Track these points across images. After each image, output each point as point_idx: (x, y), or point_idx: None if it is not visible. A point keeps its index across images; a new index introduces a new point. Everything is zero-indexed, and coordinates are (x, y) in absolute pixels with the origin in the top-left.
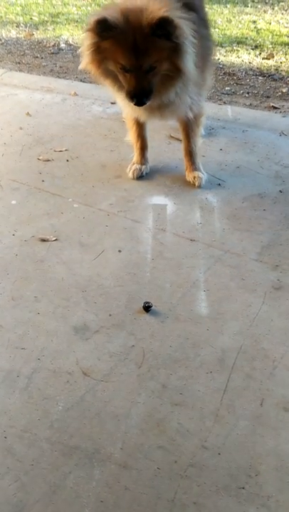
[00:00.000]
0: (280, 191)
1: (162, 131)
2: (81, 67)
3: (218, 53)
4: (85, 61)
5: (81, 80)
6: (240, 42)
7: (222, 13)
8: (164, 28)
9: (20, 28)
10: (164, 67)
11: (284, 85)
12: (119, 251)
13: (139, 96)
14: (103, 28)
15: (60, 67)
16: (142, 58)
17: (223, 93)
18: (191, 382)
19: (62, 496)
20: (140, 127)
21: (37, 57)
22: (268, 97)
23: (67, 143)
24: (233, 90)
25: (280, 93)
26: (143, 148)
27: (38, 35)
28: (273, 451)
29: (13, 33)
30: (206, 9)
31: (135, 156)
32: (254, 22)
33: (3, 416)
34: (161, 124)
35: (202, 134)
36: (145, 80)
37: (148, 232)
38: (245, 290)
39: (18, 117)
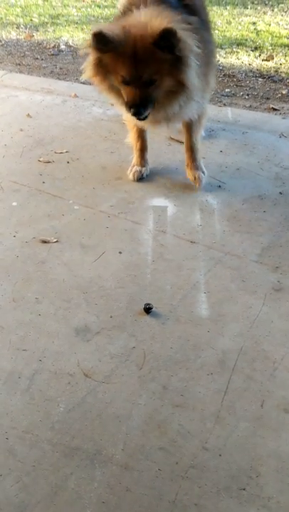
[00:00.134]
0: (280, 193)
1: (162, 133)
2: (83, 78)
3: (218, 55)
4: (88, 74)
5: (81, 82)
6: (240, 43)
7: (222, 14)
8: (167, 39)
9: (21, 29)
10: (167, 83)
11: (284, 87)
12: (120, 252)
13: (136, 106)
14: (100, 41)
15: (61, 68)
16: (142, 69)
17: (223, 95)
18: (191, 383)
19: (63, 496)
20: (140, 129)
21: (37, 58)
22: (267, 98)
23: (67, 145)
24: (233, 92)
25: (279, 95)
26: (143, 149)
27: (38, 36)
28: (274, 452)
29: (13, 35)
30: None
31: (135, 157)
32: (254, 23)
33: (5, 417)
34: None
35: (202, 135)
36: (145, 92)
37: (148, 233)
38: (246, 292)
39: (19, 119)
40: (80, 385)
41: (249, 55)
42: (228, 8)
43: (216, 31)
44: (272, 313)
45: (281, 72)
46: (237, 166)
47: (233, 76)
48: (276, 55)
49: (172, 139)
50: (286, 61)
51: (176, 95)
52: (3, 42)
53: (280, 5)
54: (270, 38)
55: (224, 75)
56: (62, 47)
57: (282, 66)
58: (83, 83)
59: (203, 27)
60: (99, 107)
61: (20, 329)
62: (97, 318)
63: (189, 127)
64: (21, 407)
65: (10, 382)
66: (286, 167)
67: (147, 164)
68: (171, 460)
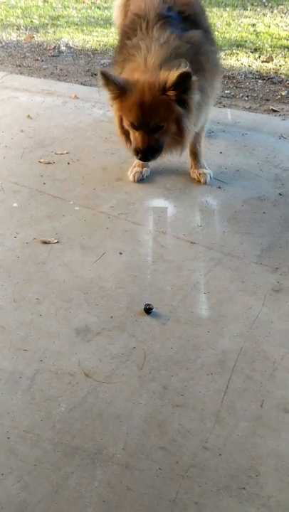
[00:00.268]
0: (280, 194)
1: None
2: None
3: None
4: (118, 131)
5: (81, 83)
6: (239, 45)
7: (221, 16)
8: (185, 82)
9: (21, 30)
10: (172, 129)
11: (283, 88)
12: (120, 253)
13: (143, 153)
14: (106, 82)
15: (61, 69)
16: (149, 116)
17: (222, 96)
18: (192, 383)
19: (64, 495)
20: None
21: (37, 60)
22: (267, 100)
23: (68, 146)
24: (232, 93)
25: (279, 96)
26: None
27: (39, 38)
28: (273, 451)
29: (13, 36)
30: (207, 13)
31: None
32: (253, 25)
33: (6, 417)
34: None
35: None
36: (152, 138)
37: (149, 234)
38: (246, 292)
39: (19, 120)
40: (81, 384)
41: (249, 56)
42: (227, 9)
43: (216, 33)
44: (271, 313)
45: (281, 73)
46: (237, 167)
47: (233, 77)
48: (276, 57)
49: None
50: (286, 63)
51: (177, 144)
52: (3, 43)
53: (280, 7)
54: (269, 40)
55: (224, 76)
56: (63, 48)
57: (282, 68)
58: (83, 84)
59: (206, 39)
60: (99, 108)
61: (21, 329)
62: (98, 319)
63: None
64: (22, 406)
65: (11, 382)
66: (286, 168)
67: (148, 166)
68: (172, 459)
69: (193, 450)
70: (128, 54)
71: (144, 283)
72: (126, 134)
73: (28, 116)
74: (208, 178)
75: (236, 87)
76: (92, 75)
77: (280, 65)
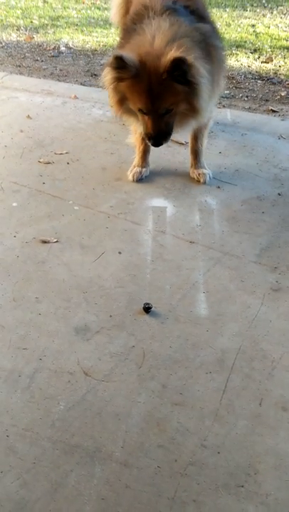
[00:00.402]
0: (279, 194)
1: None
2: (110, 105)
3: None
4: (111, 101)
5: (81, 83)
6: (239, 45)
7: (221, 16)
8: (179, 68)
9: (21, 31)
10: (181, 107)
11: (283, 89)
12: (120, 253)
13: (156, 138)
14: (120, 65)
15: (61, 70)
16: (158, 103)
17: (222, 97)
18: (190, 382)
19: (63, 493)
20: None
21: (37, 60)
22: (266, 100)
23: (67, 146)
24: (232, 94)
25: (278, 96)
26: (146, 151)
27: (39, 38)
28: (272, 450)
29: (13, 37)
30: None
31: (137, 158)
32: (253, 26)
33: (6, 415)
34: None
35: None
36: (162, 123)
37: (148, 234)
38: (244, 292)
39: (19, 120)
40: (80, 383)
41: (248, 57)
42: (227, 10)
43: None
44: (270, 313)
45: (280, 74)
46: (236, 167)
47: (233, 78)
48: (275, 57)
49: (172, 140)
50: (285, 63)
51: (188, 117)
52: (3, 44)
53: (279, 7)
54: (269, 40)
55: (224, 76)
56: (63, 49)
57: (281, 68)
58: (83, 84)
59: (214, 33)
60: (99, 108)
61: (20, 328)
62: (97, 318)
63: (196, 133)
64: (21, 405)
65: (10, 381)
66: (285, 168)
67: (148, 166)
68: (170, 457)
69: (192, 448)
70: (136, 34)
71: (143, 282)
72: (127, 112)
73: (28, 116)
74: (208, 178)
75: (236, 88)
76: (91, 76)
77: (280, 66)
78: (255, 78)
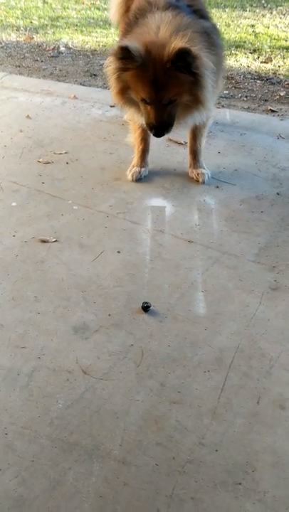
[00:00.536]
0: (278, 193)
1: None
2: (112, 95)
3: None
4: (113, 91)
5: (80, 84)
6: (238, 46)
7: (221, 17)
8: (183, 58)
9: (21, 31)
10: (185, 98)
11: (282, 89)
12: (119, 252)
13: (158, 128)
14: (125, 56)
15: (60, 70)
16: (162, 93)
17: (221, 97)
18: (189, 380)
19: (62, 491)
20: (144, 131)
21: (37, 60)
22: (265, 100)
23: (66, 145)
24: (231, 94)
25: (277, 96)
26: (145, 151)
27: (38, 38)
28: (270, 447)
29: (13, 37)
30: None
31: (136, 158)
32: (252, 26)
33: (4, 413)
34: None
35: None
36: (165, 113)
37: (147, 233)
38: (243, 291)
39: (18, 120)
40: (79, 381)
41: (248, 57)
42: (227, 10)
43: None
44: (268, 311)
45: (279, 74)
46: (235, 167)
47: (232, 78)
48: (274, 58)
49: (171, 140)
50: (284, 63)
51: (191, 109)
52: (3, 44)
53: (279, 8)
54: (268, 41)
55: (223, 76)
56: (62, 49)
57: (281, 68)
58: (82, 85)
59: (215, 31)
60: (98, 108)
61: (19, 327)
62: (96, 317)
63: (195, 132)
64: (20, 403)
65: (9, 379)
66: (283, 168)
67: (147, 165)
68: (168, 455)
69: (189, 446)
70: (140, 25)
71: (141, 281)
72: (128, 102)
73: (27, 116)
74: (206, 178)
75: (235, 88)
76: (91, 76)
77: (279, 66)
78: (255, 78)
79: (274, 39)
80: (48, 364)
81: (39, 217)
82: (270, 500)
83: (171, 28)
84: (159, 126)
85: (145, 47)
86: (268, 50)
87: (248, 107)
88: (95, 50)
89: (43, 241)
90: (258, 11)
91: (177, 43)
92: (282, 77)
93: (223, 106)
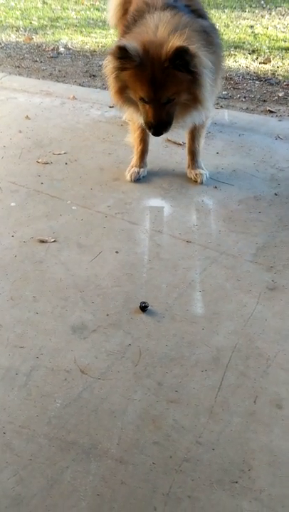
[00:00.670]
0: (275, 194)
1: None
2: (110, 95)
3: None
4: (112, 91)
5: (80, 84)
6: (237, 46)
7: (220, 17)
8: (181, 57)
9: (20, 32)
10: (183, 97)
11: (280, 89)
12: (117, 252)
13: (156, 127)
14: (123, 55)
15: (59, 71)
16: (160, 92)
17: (220, 97)
18: (186, 380)
19: (59, 489)
20: (143, 132)
21: (36, 61)
22: (264, 101)
23: (65, 146)
24: (230, 94)
25: (276, 97)
26: (144, 152)
27: (38, 39)
28: (266, 446)
29: (12, 37)
30: None
31: (134, 159)
32: (251, 27)
33: (2, 412)
34: None
35: None
36: (163, 112)
37: (145, 233)
38: (240, 291)
39: (18, 121)
40: (77, 381)
41: (246, 57)
42: (226, 11)
43: None
44: (266, 311)
45: (278, 74)
46: (233, 167)
47: (231, 79)
48: (273, 58)
49: (169, 140)
50: (283, 64)
51: (189, 108)
52: (2, 44)
53: (278, 8)
54: (267, 41)
55: (221, 77)
56: (62, 49)
57: (279, 69)
58: (82, 85)
59: (214, 30)
60: (97, 109)
61: (17, 327)
62: (94, 316)
63: (193, 133)
64: (18, 402)
65: (7, 379)
66: (281, 168)
67: (145, 166)
68: (166, 454)
69: (186, 445)
70: (138, 25)
71: (140, 281)
72: (127, 101)
73: (27, 116)
74: (205, 178)
75: (234, 88)
76: (90, 76)
77: (278, 67)
78: (253, 79)
79: (273, 40)
80: (46, 363)
81: (38, 218)
82: (266, 498)
83: (169, 27)
84: (158, 125)
85: (143, 46)
86: (267, 50)
87: (247, 108)
88: (95, 51)
89: (42, 241)
90: (257, 11)
91: (175, 42)
92: (280, 77)
93: (221, 106)
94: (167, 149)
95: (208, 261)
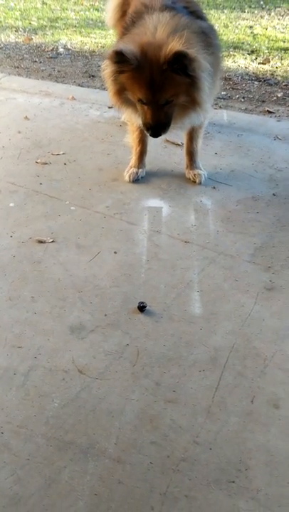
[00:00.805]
0: (274, 194)
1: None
2: (109, 96)
3: None
4: (110, 92)
5: (79, 85)
6: (236, 47)
7: (219, 18)
8: (180, 61)
9: (19, 32)
10: (181, 99)
11: (279, 90)
12: (115, 252)
13: (155, 128)
14: (120, 60)
15: (59, 71)
16: (159, 94)
17: (218, 98)
18: (184, 380)
19: (57, 489)
20: (142, 132)
21: (35, 61)
22: (263, 101)
23: (64, 146)
24: (228, 95)
25: (275, 98)
26: (142, 152)
27: (37, 39)
28: (263, 446)
29: (12, 38)
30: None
31: (133, 159)
32: (251, 27)
33: (0, 412)
34: None
35: None
36: (162, 113)
37: (143, 234)
38: (238, 291)
39: (17, 121)
40: (75, 381)
41: (245, 58)
42: (225, 11)
43: None
44: (263, 311)
45: (277, 75)
46: (231, 167)
47: (230, 79)
48: (272, 59)
49: (168, 141)
50: (282, 64)
51: (188, 110)
52: (2, 45)
53: (277, 9)
54: (266, 42)
55: (220, 77)
56: (61, 50)
57: (278, 69)
58: (81, 86)
59: (212, 31)
60: (96, 109)
61: (16, 327)
62: (92, 317)
63: (191, 133)
64: (16, 402)
65: (5, 379)
66: (280, 169)
67: (144, 166)
68: (163, 454)
69: (184, 445)
70: (137, 27)
71: (138, 281)
72: (125, 102)
73: (26, 117)
74: (203, 179)
75: (233, 89)
76: (89, 77)
77: (277, 67)
78: (252, 79)
79: (272, 40)
80: (44, 364)
81: (36, 218)
82: (263, 498)
83: (168, 29)
84: (156, 126)
85: (141, 48)
86: (266, 51)
87: (246, 108)
88: (94, 51)
89: (40, 241)
90: (256, 12)
91: (174, 46)
92: (279, 78)
93: (220, 107)
94: (166, 150)
95: (206, 261)
